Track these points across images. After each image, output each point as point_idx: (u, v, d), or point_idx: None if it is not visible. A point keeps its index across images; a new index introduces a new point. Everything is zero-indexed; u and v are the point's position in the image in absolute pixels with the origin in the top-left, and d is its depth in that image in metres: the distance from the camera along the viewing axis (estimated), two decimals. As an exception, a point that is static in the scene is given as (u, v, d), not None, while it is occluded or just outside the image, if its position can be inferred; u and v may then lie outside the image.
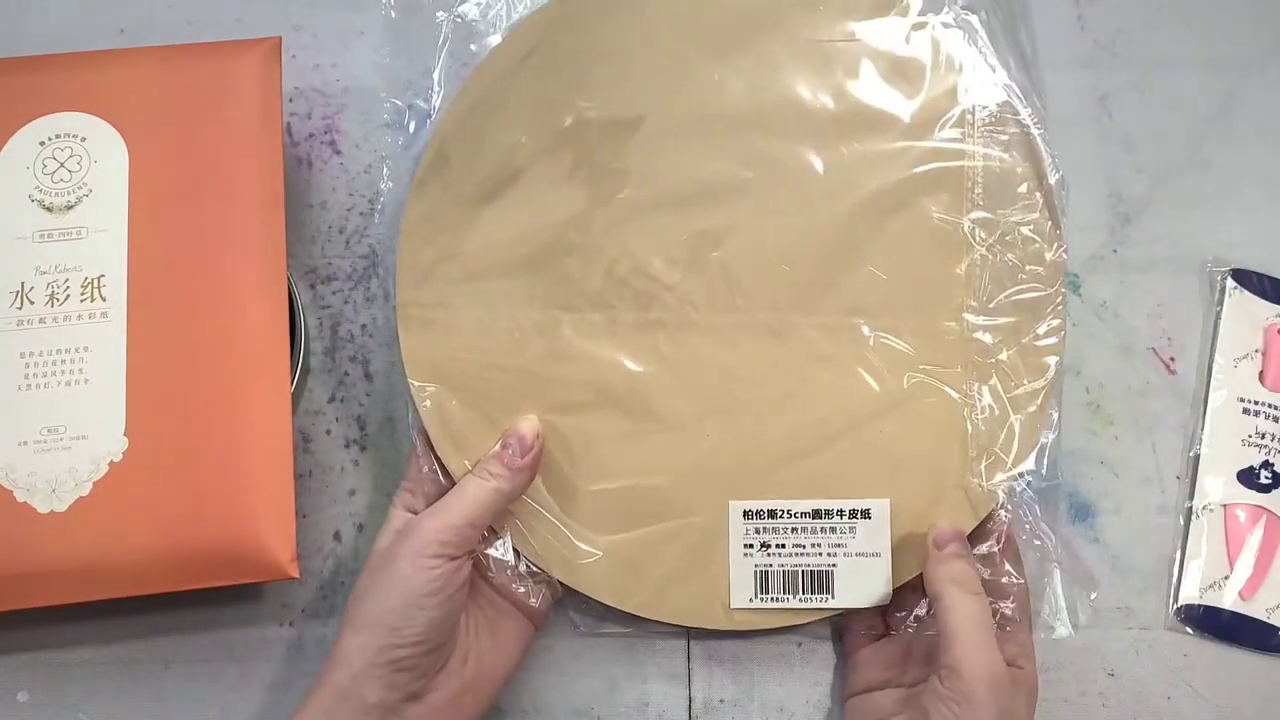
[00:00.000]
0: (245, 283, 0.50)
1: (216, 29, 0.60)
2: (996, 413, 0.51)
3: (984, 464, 0.50)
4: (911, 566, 0.50)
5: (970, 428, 0.51)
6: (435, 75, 0.54)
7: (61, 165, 0.51)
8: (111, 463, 0.48)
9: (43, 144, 0.52)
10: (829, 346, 0.52)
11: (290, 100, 0.59)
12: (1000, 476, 0.50)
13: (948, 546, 0.48)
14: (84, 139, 0.52)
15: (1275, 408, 0.55)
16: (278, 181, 0.51)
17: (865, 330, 0.52)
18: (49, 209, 0.51)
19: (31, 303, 0.50)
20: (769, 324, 0.52)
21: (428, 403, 0.51)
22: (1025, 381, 0.51)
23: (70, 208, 0.51)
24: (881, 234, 0.52)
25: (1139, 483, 0.55)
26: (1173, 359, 0.57)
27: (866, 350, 0.52)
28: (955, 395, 0.51)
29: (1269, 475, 0.54)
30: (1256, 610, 0.53)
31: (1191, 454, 0.55)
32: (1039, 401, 0.51)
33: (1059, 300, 0.52)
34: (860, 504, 0.50)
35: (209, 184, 0.51)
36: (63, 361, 0.49)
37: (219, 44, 0.54)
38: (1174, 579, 0.53)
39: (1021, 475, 0.50)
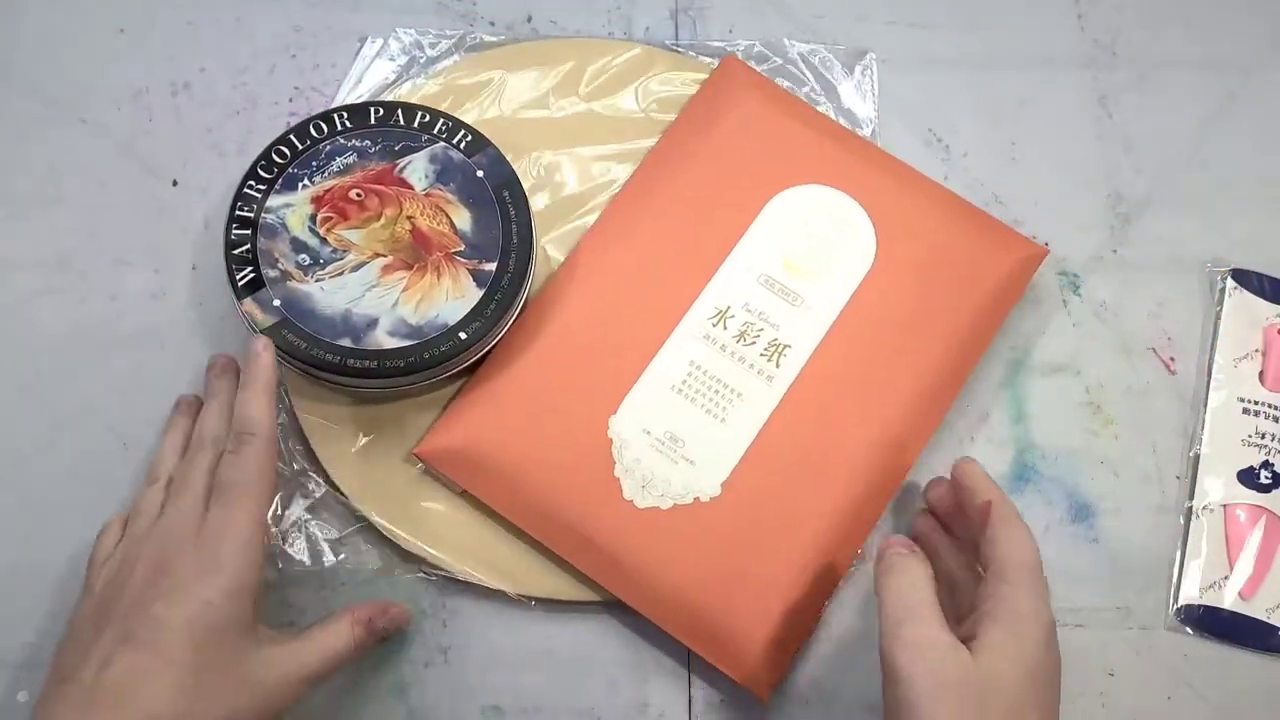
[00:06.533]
0: (901, 414, 0.52)
1: (216, 29, 0.60)
2: None
3: None
4: None
5: None
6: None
7: (820, 238, 0.55)
8: (697, 499, 0.51)
9: (819, 211, 0.55)
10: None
11: (290, 100, 0.59)
12: None
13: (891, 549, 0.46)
14: (851, 227, 0.55)
15: (1275, 408, 0.55)
16: (966, 367, 0.54)
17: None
18: (788, 264, 0.54)
19: (725, 329, 0.53)
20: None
21: None
22: None
23: (803, 275, 0.54)
24: None
25: (1139, 483, 0.55)
26: (1173, 359, 0.57)
27: None
28: None
29: (1269, 475, 0.54)
30: (1256, 610, 0.53)
31: (1191, 454, 0.55)
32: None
33: None
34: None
35: (921, 328, 0.54)
36: (717, 393, 0.52)
37: (995, 222, 0.56)
38: (1174, 579, 0.53)
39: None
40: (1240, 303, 0.57)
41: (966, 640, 0.42)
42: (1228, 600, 0.53)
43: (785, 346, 0.53)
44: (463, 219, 0.52)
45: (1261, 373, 0.56)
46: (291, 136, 0.53)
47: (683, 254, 0.55)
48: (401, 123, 0.53)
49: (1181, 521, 0.54)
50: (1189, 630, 0.53)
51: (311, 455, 0.53)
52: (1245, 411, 0.55)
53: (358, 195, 0.52)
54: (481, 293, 0.51)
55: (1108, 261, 0.58)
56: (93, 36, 0.59)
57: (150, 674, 0.40)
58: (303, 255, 0.51)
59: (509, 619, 0.52)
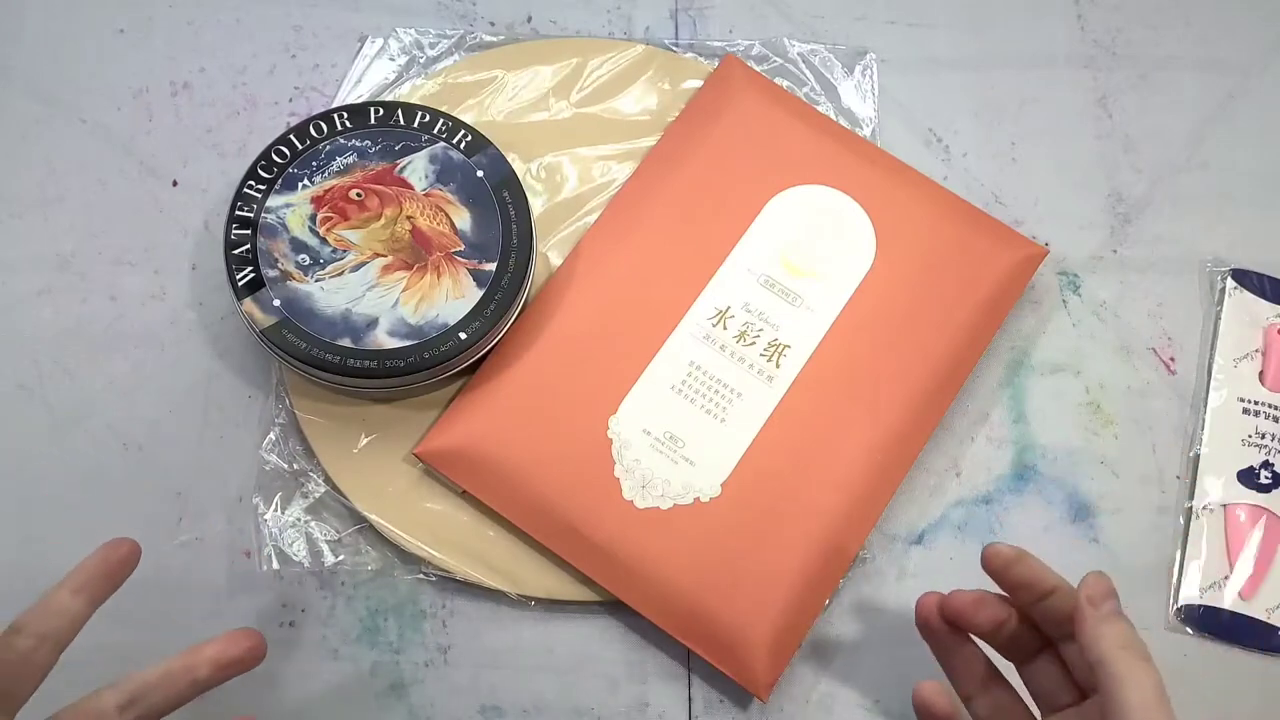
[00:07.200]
0: (901, 414, 0.53)
1: (215, 29, 0.60)
2: None
3: None
4: None
5: None
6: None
7: (820, 238, 0.55)
8: (697, 499, 0.51)
9: (819, 211, 0.55)
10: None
11: (290, 100, 0.59)
12: None
13: (1105, 604, 0.41)
14: (851, 227, 0.55)
15: (1275, 408, 0.55)
16: (966, 366, 0.54)
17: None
18: (788, 264, 0.54)
19: (725, 329, 0.53)
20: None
21: None
22: None
23: (803, 276, 0.54)
24: None
25: (1139, 483, 0.55)
26: (1173, 359, 0.57)
27: None
28: None
29: (1269, 475, 0.54)
30: (1256, 610, 0.53)
31: (1191, 454, 0.55)
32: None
33: None
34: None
35: (921, 328, 0.54)
36: (716, 393, 0.52)
37: (994, 222, 0.56)
38: (1174, 579, 0.53)
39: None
40: (1240, 303, 0.57)
41: None
42: (1228, 600, 0.53)
43: (785, 346, 0.53)
44: (463, 219, 0.52)
45: (1261, 373, 0.56)
46: (291, 136, 0.53)
47: (682, 254, 0.55)
48: (401, 123, 0.53)
49: (1181, 522, 0.54)
50: (1189, 630, 0.53)
51: (311, 455, 0.53)
52: (1245, 411, 0.55)
53: (358, 195, 0.52)
54: (481, 293, 0.51)
55: (1108, 261, 0.58)
56: (93, 36, 0.59)
57: None
58: (303, 255, 0.51)
59: (509, 619, 0.52)
